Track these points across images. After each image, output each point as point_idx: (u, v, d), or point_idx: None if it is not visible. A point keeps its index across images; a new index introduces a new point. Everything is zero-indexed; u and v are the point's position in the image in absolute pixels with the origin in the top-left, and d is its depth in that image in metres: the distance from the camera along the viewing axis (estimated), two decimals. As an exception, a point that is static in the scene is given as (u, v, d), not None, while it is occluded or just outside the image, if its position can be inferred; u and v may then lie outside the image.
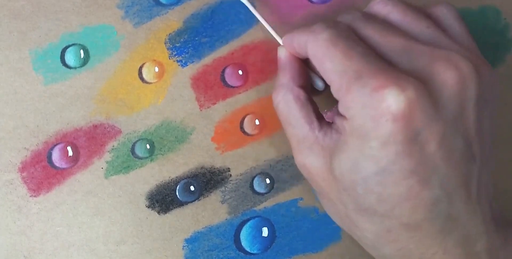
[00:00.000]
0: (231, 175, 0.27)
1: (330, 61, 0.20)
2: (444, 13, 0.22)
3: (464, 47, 0.21)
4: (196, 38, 0.27)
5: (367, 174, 0.19)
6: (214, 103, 0.27)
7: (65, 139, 0.26)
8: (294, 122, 0.22)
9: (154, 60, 0.27)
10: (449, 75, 0.19)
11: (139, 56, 0.27)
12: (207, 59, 0.27)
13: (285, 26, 0.28)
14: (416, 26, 0.21)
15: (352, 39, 0.20)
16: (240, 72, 0.27)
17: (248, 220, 0.27)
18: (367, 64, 0.19)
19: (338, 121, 0.21)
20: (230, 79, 0.27)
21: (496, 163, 0.28)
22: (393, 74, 0.19)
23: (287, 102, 0.22)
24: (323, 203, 0.23)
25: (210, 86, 0.27)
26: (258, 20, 0.26)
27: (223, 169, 0.27)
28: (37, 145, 0.26)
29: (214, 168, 0.27)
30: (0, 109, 0.26)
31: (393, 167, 0.19)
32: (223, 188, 0.27)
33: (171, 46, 0.27)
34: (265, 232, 0.27)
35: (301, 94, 0.22)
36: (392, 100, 0.18)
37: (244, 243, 0.27)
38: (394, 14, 0.22)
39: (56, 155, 0.26)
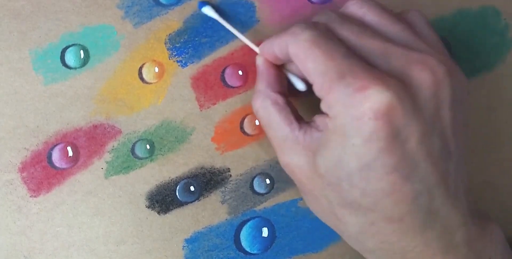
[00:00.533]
0: (231, 175, 0.27)
1: (313, 62, 0.20)
2: (415, 19, 0.23)
3: (436, 51, 0.22)
4: (196, 38, 0.27)
5: (351, 170, 0.20)
6: (214, 103, 0.27)
7: (65, 139, 0.26)
8: (274, 125, 0.23)
9: (154, 60, 0.27)
10: (425, 77, 0.20)
11: (139, 56, 0.27)
12: (207, 59, 0.27)
13: (285, 27, 0.28)
14: (392, 28, 0.22)
15: (333, 40, 0.21)
16: (240, 72, 0.27)
17: (248, 220, 0.27)
18: (349, 64, 0.20)
19: (319, 119, 0.21)
20: (230, 79, 0.27)
21: (495, 162, 0.28)
22: (375, 74, 0.19)
23: (266, 107, 0.23)
24: (307, 200, 0.24)
25: (210, 86, 0.27)
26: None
27: (223, 169, 0.27)
28: (37, 145, 0.26)
29: (214, 168, 0.27)
30: (0, 109, 0.26)
31: (376, 163, 0.19)
32: (223, 188, 0.27)
33: (171, 46, 0.27)
34: (265, 232, 0.27)
35: (279, 98, 0.23)
36: (375, 99, 0.19)
37: (244, 243, 0.27)
38: (370, 15, 0.22)
39: (56, 155, 0.26)
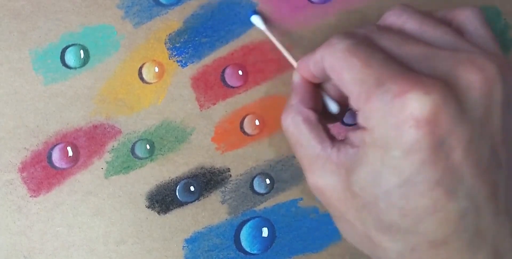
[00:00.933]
0: (231, 175, 0.27)
1: (349, 71, 0.19)
2: (469, 18, 0.21)
3: (487, 49, 0.20)
4: (196, 38, 0.27)
5: (389, 187, 0.18)
6: (214, 103, 0.27)
7: (65, 139, 0.26)
8: (304, 142, 0.21)
9: (154, 60, 0.27)
10: (474, 77, 0.18)
11: (139, 56, 0.27)
12: (207, 59, 0.27)
13: (286, 26, 0.28)
14: (434, 33, 0.20)
15: (371, 47, 0.20)
16: (240, 72, 0.27)
17: (248, 220, 0.27)
18: (387, 70, 0.18)
19: (354, 134, 0.20)
20: (230, 79, 0.27)
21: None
22: (416, 78, 0.18)
23: (297, 123, 0.22)
24: (339, 226, 0.22)
25: (210, 86, 0.27)
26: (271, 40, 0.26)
27: (223, 169, 0.27)
28: (37, 145, 0.26)
29: (214, 168, 0.27)
30: (0, 109, 0.26)
31: (417, 178, 0.18)
32: (223, 188, 0.27)
33: (171, 46, 0.27)
34: (265, 232, 0.27)
35: (311, 115, 0.22)
36: (415, 104, 0.17)
37: (244, 243, 0.27)
38: (410, 24, 0.21)
39: (56, 155, 0.26)
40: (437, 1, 0.29)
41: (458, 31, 0.21)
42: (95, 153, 0.26)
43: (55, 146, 0.26)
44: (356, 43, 0.20)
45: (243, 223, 0.27)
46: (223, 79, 0.27)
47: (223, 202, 0.27)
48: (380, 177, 0.18)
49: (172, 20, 0.27)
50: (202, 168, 0.27)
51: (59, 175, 0.26)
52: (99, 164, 0.26)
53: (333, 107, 0.23)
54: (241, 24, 0.27)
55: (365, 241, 0.20)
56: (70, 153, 0.26)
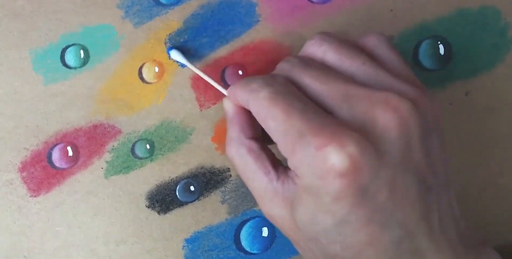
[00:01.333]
0: (231, 175, 0.27)
1: (272, 121, 0.20)
2: (376, 44, 0.22)
3: (401, 78, 0.21)
4: (196, 38, 0.27)
5: (326, 227, 0.19)
6: (214, 103, 0.27)
7: (65, 139, 0.26)
8: (251, 175, 0.22)
9: (154, 60, 0.27)
10: (389, 119, 0.19)
11: (139, 56, 0.27)
12: (207, 59, 0.27)
13: (286, 26, 0.28)
14: (352, 64, 0.21)
15: (292, 94, 0.20)
16: (240, 72, 0.27)
17: (248, 220, 0.27)
18: (307, 121, 0.19)
19: (291, 174, 0.21)
20: (230, 79, 0.27)
21: (496, 162, 0.28)
22: (334, 130, 0.19)
23: (241, 156, 0.22)
24: (298, 250, 0.23)
25: (210, 86, 0.27)
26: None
27: (223, 169, 0.27)
28: (37, 145, 0.26)
29: (214, 168, 0.27)
30: (0, 109, 0.26)
31: (350, 218, 0.19)
32: (223, 188, 0.27)
33: (171, 46, 0.27)
34: (265, 232, 0.27)
35: (253, 145, 0.22)
36: (335, 157, 0.18)
37: (244, 243, 0.27)
38: (329, 54, 0.22)
39: (56, 155, 0.26)
40: (438, 3, 0.29)
41: (372, 57, 0.22)
42: (95, 153, 0.26)
43: (55, 146, 0.26)
44: (277, 90, 0.20)
45: (243, 223, 0.27)
46: (223, 79, 0.27)
47: (223, 202, 0.27)
48: (316, 217, 0.19)
49: (172, 20, 0.27)
50: (202, 168, 0.27)
51: (59, 175, 0.26)
52: (99, 164, 0.26)
53: None
54: (241, 24, 0.27)
55: None
56: (70, 153, 0.26)
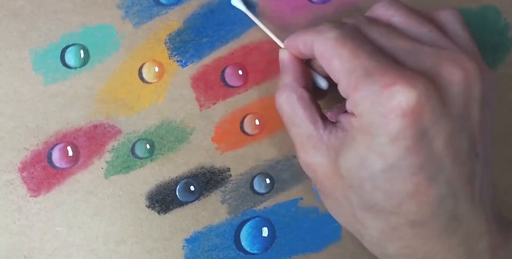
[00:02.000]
0: (231, 175, 0.27)
1: (338, 60, 0.20)
2: (449, 18, 0.22)
3: (467, 50, 0.21)
4: (196, 38, 0.27)
5: (374, 171, 0.19)
6: (214, 103, 0.27)
7: (65, 139, 0.26)
8: (298, 121, 0.22)
9: (154, 60, 0.27)
10: (456, 74, 0.19)
11: (139, 56, 0.27)
12: (207, 59, 0.27)
13: (286, 26, 0.28)
14: (419, 30, 0.21)
15: (359, 39, 0.20)
16: (240, 72, 0.27)
17: (248, 220, 0.27)
18: (375, 62, 0.19)
19: (344, 118, 0.21)
20: (230, 79, 0.27)
21: (496, 162, 0.28)
22: (403, 72, 0.19)
23: (291, 102, 0.22)
24: (326, 203, 0.23)
25: (210, 86, 0.27)
26: (256, 24, 0.26)
27: (223, 169, 0.27)
28: (37, 145, 0.26)
29: (214, 168, 0.27)
30: (0, 109, 0.26)
31: (401, 163, 0.19)
32: (223, 188, 0.27)
33: (171, 46, 0.27)
34: (265, 232, 0.27)
35: (305, 94, 0.22)
36: (402, 96, 0.18)
37: (244, 243, 0.27)
38: (397, 17, 0.22)
39: (56, 155, 0.26)
40: (438, 3, 0.29)
41: (441, 29, 0.22)
42: (95, 153, 0.26)
43: (55, 146, 0.26)
44: (345, 33, 0.20)
45: (243, 223, 0.27)
46: (223, 79, 0.27)
47: (223, 202, 0.27)
48: (366, 161, 0.19)
49: (172, 20, 0.27)
50: (202, 168, 0.27)
51: (59, 175, 0.26)
52: (99, 164, 0.26)
53: (323, 83, 0.23)
54: (241, 24, 0.27)
55: (350, 219, 0.22)
56: (70, 153, 0.26)
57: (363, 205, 0.21)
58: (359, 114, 0.20)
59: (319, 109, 0.23)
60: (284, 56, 0.24)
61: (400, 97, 0.18)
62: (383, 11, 0.22)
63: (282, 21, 0.28)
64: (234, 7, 0.27)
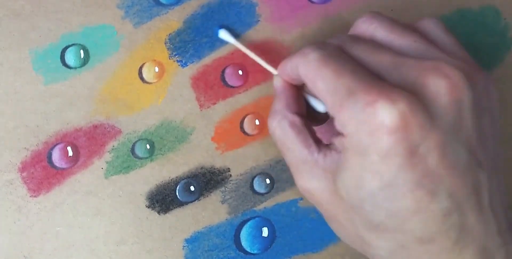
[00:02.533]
0: (231, 175, 0.27)
1: (322, 80, 0.20)
2: (431, 27, 0.22)
3: (454, 57, 0.21)
4: (196, 38, 0.27)
5: (372, 190, 0.19)
6: (214, 103, 0.27)
7: (65, 139, 0.26)
8: (292, 146, 0.22)
9: (154, 60, 0.27)
10: (440, 84, 0.19)
11: (139, 56, 0.27)
12: (207, 59, 0.27)
13: (286, 26, 0.28)
14: (403, 41, 0.21)
15: (342, 58, 0.20)
16: (240, 72, 0.27)
17: (248, 220, 0.27)
18: (358, 80, 0.19)
19: (336, 140, 0.21)
20: (230, 79, 0.27)
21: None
22: (384, 88, 0.19)
23: (283, 128, 0.22)
24: (332, 227, 0.23)
25: (210, 86, 0.27)
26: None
27: (223, 169, 0.27)
28: (37, 145, 0.26)
29: (214, 168, 0.27)
30: (0, 109, 0.26)
31: (398, 181, 0.18)
32: (223, 188, 0.27)
33: (171, 46, 0.27)
34: (265, 232, 0.27)
35: (296, 119, 0.22)
36: (385, 113, 0.18)
37: (244, 243, 0.27)
38: (380, 31, 0.22)
39: (56, 155, 0.26)
40: (438, 3, 0.29)
41: (428, 39, 0.22)
42: (95, 153, 0.26)
43: (55, 146, 0.26)
44: (328, 54, 0.20)
45: (243, 223, 0.27)
46: (223, 79, 0.27)
47: (223, 202, 0.27)
48: (363, 181, 0.19)
49: (172, 20, 0.27)
50: (202, 168, 0.27)
51: (59, 175, 0.26)
52: (99, 164, 0.26)
53: (320, 107, 0.23)
54: (241, 24, 0.27)
55: (357, 240, 0.21)
56: (70, 153, 0.26)
57: (368, 225, 0.20)
58: (347, 134, 0.19)
59: (313, 133, 0.22)
60: (277, 83, 0.24)
61: (383, 114, 0.18)
62: (366, 26, 0.22)
63: (282, 21, 0.28)
64: (234, 7, 0.27)
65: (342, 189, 0.20)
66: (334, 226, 0.23)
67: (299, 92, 0.24)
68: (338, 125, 0.20)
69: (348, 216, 0.21)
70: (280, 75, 0.24)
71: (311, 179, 0.21)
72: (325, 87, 0.20)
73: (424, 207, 0.19)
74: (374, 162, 0.18)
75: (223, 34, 0.27)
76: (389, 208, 0.19)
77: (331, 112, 0.20)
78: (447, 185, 0.19)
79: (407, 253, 0.20)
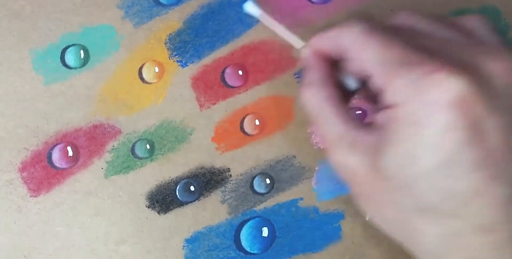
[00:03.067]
0: (231, 175, 0.27)
1: (370, 50, 0.19)
2: (477, 25, 0.21)
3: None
4: (196, 38, 0.27)
5: (427, 167, 0.17)
6: (214, 103, 0.27)
7: (65, 139, 0.26)
8: (330, 120, 0.20)
9: (154, 60, 0.27)
10: (498, 66, 0.18)
11: (139, 56, 0.27)
12: (207, 59, 0.27)
13: (285, 26, 0.28)
14: (445, 33, 0.20)
15: (389, 32, 0.19)
16: (240, 72, 0.27)
17: (248, 220, 0.27)
18: (410, 52, 0.18)
19: (380, 115, 0.19)
20: (230, 79, 0.27)
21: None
22: (443, 61, 0.17)
23: (320, 100, 0.20)
24: (367, 208, 0.21)
25: (210, 86, 0.27)
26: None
27: (223, 169, 0.27)
28: (37, 145, 0.26)
29: (214, 168, 0.27)
30: (0, 109, 0.26)
31: (457, 158, 0.17)
32: (223, 188, 0.27)
33: (171, 46, 0.27)
34: (265, 232, 0.27)
35: (334, 93, 0.21)
36: (448, 84, 0.17)
37: (244, 243, 0.27)
38: (422, 23, 0.21)
39: (56, 155, 0.26)
40: (438, 3, 0.29)
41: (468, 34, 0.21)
42: (95, 153, 0.26)
43: (55, 146, 0.26)
44: (374, 26, 0.19)
45: (243, 223, 0.27)
46: (223, 79, 0.27)
47: (223, 202, 0.27)
48: (416, 157, 0.17)
49: (172, 20, 0.27)
50: (202, 168, 0.27)
51: (59, 175, 0.26)
52: (99, 164, 0.26)
53: (352, 82, 0.22)
54: (241, 24, 0.27)
55: (398, 224, 0.19)
56: (70, 153, 0.26)
57: (416, 208, 0.18)
58: (400, 103, 0.18)
59: (348, 109, 0.21)
60: (306, 53, 0.22)
61: (446, 85, 0.17)
62: (405, 20, 0.21)
63: (282, 21, 0.28)
64: (234, 7, 0.27)
65: (387, 167, 0.18)
66: (370, 208, 0.20)
67: (331, 66, 0.22)
68: (389, 95, 0.18)
69: (391, 197, 0.19)
70: (314, 46, 0.22)
71: (349, 154, 0.19)
72: (374, 57, 0.19)
73: (484, 191, 0.17)
74: (431, 135, 0.17)
75: (250, 7, 0.25)
76: (446, 189, 0.17)
77: (380, 83, 0.19)
78: (511, 170, 0.17)
79: (460, 243, 0.18)
